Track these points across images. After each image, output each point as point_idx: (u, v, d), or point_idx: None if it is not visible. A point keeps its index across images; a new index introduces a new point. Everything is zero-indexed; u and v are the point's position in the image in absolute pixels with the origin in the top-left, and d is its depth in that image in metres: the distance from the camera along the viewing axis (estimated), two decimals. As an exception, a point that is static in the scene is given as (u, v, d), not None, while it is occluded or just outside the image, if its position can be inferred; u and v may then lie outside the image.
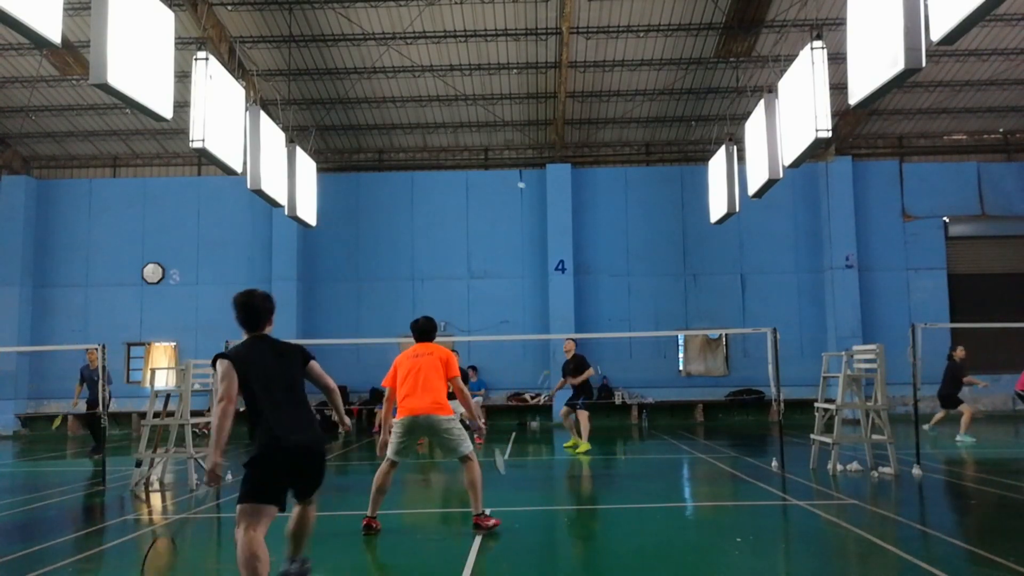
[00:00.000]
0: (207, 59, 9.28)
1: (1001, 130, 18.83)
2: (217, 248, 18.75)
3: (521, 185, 18.63)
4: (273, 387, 4.23)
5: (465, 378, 12.69)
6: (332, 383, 4.61)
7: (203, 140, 9.05)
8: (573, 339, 12.54)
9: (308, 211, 13.29)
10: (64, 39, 7.28)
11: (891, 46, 6.65)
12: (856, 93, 7.59)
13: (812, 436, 9.58)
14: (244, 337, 4.65)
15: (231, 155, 9.93)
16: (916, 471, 8.62)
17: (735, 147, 13.11)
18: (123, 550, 6.08)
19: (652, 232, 18.72)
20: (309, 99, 17.20)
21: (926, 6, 6.18)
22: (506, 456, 12.03)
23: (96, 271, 18.78)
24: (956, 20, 5.71)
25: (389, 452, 6.35)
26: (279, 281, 18.03)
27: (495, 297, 18.59)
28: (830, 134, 9.10)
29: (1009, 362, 16.63)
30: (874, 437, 8.97)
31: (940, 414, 13.45)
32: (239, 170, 10.31)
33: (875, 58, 7.05)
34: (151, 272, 18.73)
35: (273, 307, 4.71)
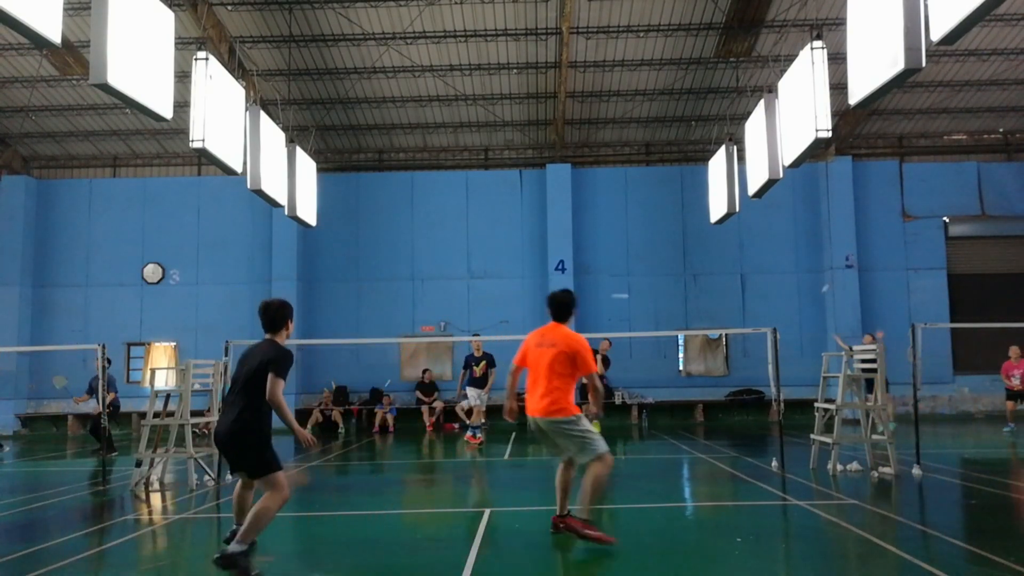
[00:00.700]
0: (207, 59, 9.28)
1: (1001, 130, 18.83)
2: (217, 248, 18.75)
3: None
4: (234, 384, 5.05)
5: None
6: (272, 398, 4.90)
7: (203, 140, 9.06)
8: (609, 339, 13.83)
9: (308, 211, 13.29)
10: (64, 39, 7.28)
11: (891, 46, 6.65)
12: (856, 93, 7.59)
13: (812, 436, 9.58)
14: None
15: (231, 155, 9.93)
16: (916, 471, 8.62)
17: (735, 147, 13.12)
18: (123, 550, 6.08)
19: (652, 232, 18.72)
20: (309, 99, 17.20)
21: (926, 6, 6.18)
22: (506, 455, 12.04)
23: (96, 271, 18.79)
24: (956, 20, 5.71)
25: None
26: (279, 281, 18.04)
27: (495, 297, 18.59)
28: (830, 134, 9.11)
29: (1009, 362, 16.64)
30: (874, 437, 8.98)
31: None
32: (239, 170, 10.31)
33: (875, 58, 7.05)
34: (151, 272, 18.73)
35: (279, 315, 5.22)
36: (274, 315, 5.17)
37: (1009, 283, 18.35)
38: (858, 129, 18.39)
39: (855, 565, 5.30)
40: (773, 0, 14.27)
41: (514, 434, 15.46)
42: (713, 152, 14.08)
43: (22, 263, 18.44)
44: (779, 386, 9.58)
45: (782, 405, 9.82)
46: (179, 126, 15.46)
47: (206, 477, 9.30)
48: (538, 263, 18.55)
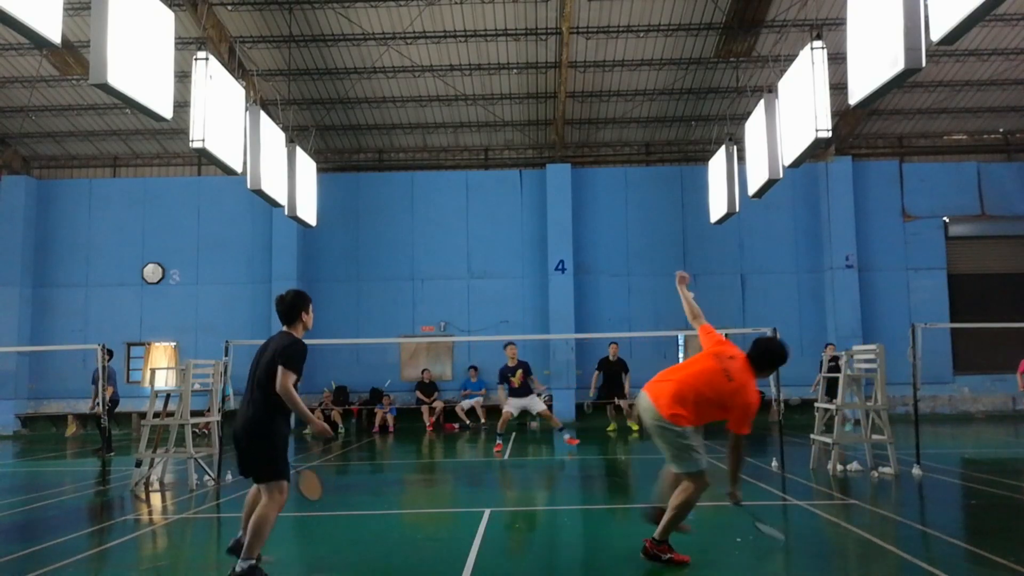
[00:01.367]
0: (207, 59, 9.28)
1: (1001, 130, 18.82)
2: (217, 248, 18.74)
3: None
4: (249, 380, 4.95)
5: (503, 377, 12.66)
6: (282, 390, 4.73)
7: (203, 140, 9.06)
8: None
9: (308, 211, 13.29)
10: (64, 39, 7.28)
11: (891, 46, 6.65)
12: (856, 93, 7.59)
13: (812, 436, 9.59)
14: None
15: (231, 155, 9.93)
16: (916, 471, 8.62)
17: (735, 147, 13.11)
18: (123, 550, 6.08)
19: (652, 232, 18.72)
20: (309, 99, 17.20)
21: (926, 6, 6.18)
22: (506, 455, 12.03)
23: (96, 271, 18.78)
24: (956, 20, 5.71)
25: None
26: (279, 281, 18.03)
27: (495, 297, 18.59)
28: (830, 134, 9.11)
29: (1009, 362, 16.63)
30: (874, 437, 8.98)
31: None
32: (239, 170, 10.31)
33: (875, 58, 7.05)
34: (151, 272, 18.72)
35: (292, 307, 5.07)
36: (288, 307, 5.03)
37: (1009, 283, 18.35)
38: (858, 129, 18.38)
39: (855, 565, 5.30)
40: (773, 0, 14.27)
41: (514, 434, 15.47)
42: (713, 152, 14.08)
43: (22, 263, 18.43)
44: (779, 386, 9.58)
45: (782, 405, 9.82)
46: (179, 126, 15.46)
47: (206, 477, 9.30)
48: (538, 263, 18.54)
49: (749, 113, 12.15)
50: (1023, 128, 18.74)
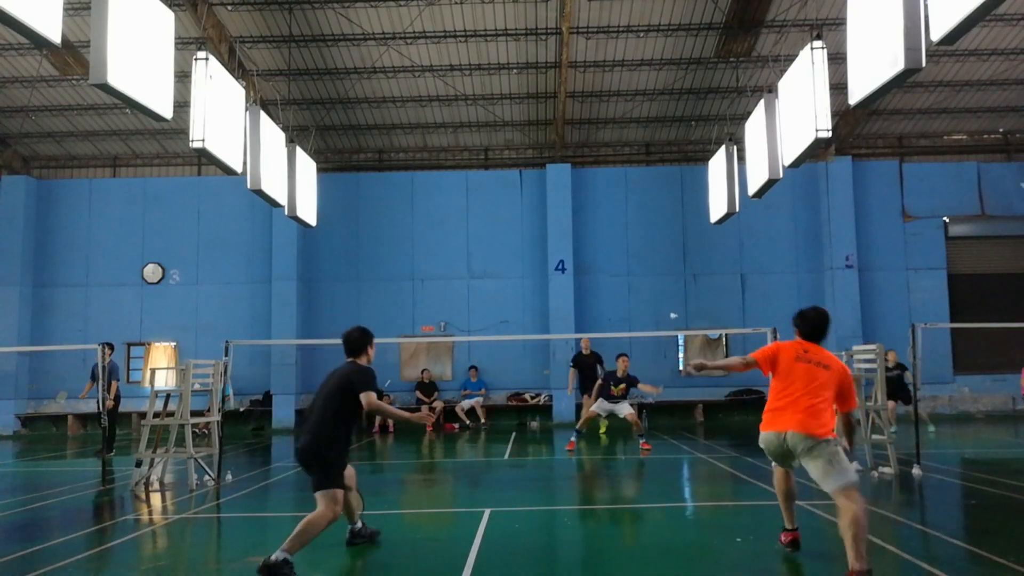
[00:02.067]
0: (207, 59, 9.27)
1: (1001, 130, 18.83)
2: (217, 248, 18.75)
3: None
4: (313, 403, 5.51)
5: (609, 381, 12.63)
6: (372, 409, 5.41)
7: (203, 140, 9.05)
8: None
9: (308, 211, 13.29)
10: (64, 39, 7.28)
11: (891, 46, 6.65)
12: (856, 93, 7.59)
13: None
14: None
15: (231, 155, 9.92)
16: (916, 471, 8.62)
17: (735, 147, 13.11)
18: (123, 550, 6.08)
19: (652, 232, 18.72)
20: (309, 99, 17.21)
21: (926, 6, 6.18)
22: (506, 455, 12.03)
23: (96, 271, 18.79)
24: (956, 20, 5.71)
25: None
26: (279, 281, 18.05)
27: (495, 297, 18.59)
28: (830, 134, 9.10)
29: (1009, 362, 16.66)
30: (874, 437, 8.98)
31: None
32: (239, 170, 10.31)
33: (875, 58, 7.05)
34: (151, 272, 18.73)
35: (358, 344, 5.71)
36: (355, 344, 5.70)
37: (1009, 283, 18.35)
38: (858, 129, 18.39)
39: (855, 565, 5.29)
40: (773, 0, 14.27)
41: (514, 434, 15.48)
42: (713, 152, 14.07)
43: (22, 263, 18.44)
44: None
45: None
46: (179, 126, 15.46)
47: (206, 477, 9.30)
48: (538, 263, 18.54)
49: (749, 113, 12.15)
50: (1023, 128, 18.74)
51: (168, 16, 8.11)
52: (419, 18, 14.58)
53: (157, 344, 18.69)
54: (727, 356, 18.67)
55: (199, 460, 9.34)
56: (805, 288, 18.40)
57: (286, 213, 12.63)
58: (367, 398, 5.32)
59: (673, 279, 18.64)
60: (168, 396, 9.85)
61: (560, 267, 18.13)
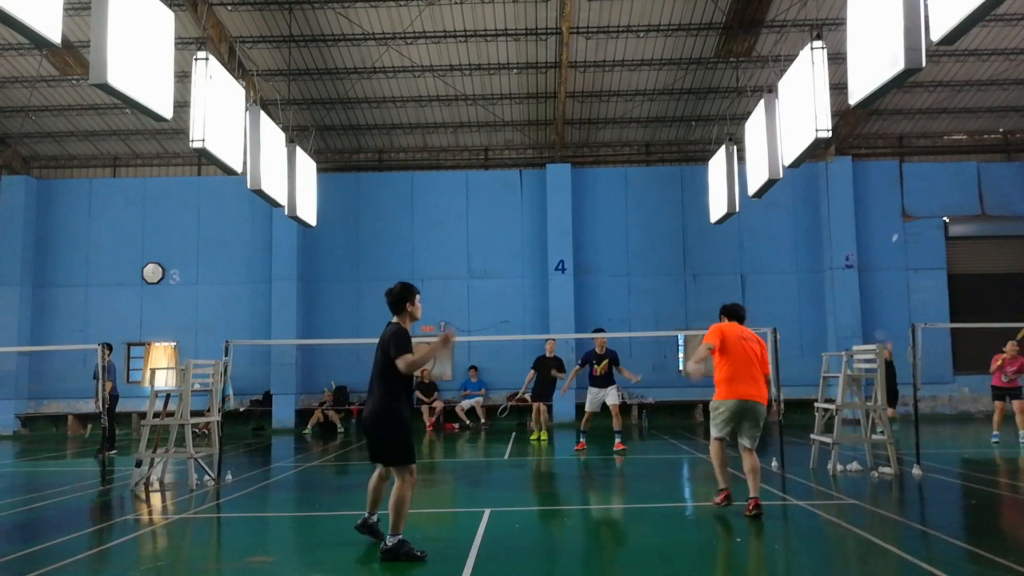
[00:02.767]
0: (207, 59, 9.28)
1: (1001, 130, 18.82)
2: (217, 248, 18.74)
3: None
4: (372, 371, 5.49)
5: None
6: (408, 370, 5.31)
7: (203, 140, 9.05)
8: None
9: (308, 211, 13.29)
10: (64, 39, 7.27)
11: (891, 46, 6.65)
12: (856, 93, 7.59)
13: (812, 436, 9.59)
14: None
15: (231, 155, 9.92)
16: (916, 471, 8.62)
17: (735, 147, 13.11)
18: (123, 550, 6.08)
19: (652, 232, 18.72)
20: (309, 99, 17.20)
21: (926, 6, 6.18)
22: (506, 455, 12.03)
23: (96, 271, 18.78)
24: (956, 20, 5.71)
25: (716, 432, 6.85)
26: (279, 281, 18.04)
27: (495, 297, 18.59)
28: (830, 134, 9.11)
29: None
30: (874, 437, 8.98)
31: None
32: (239, 170, 10.31)
33: (875, 58, 7.05)
34: (151, 272, 18.73)
35: (399, 298, 5.75)
36: (396, 299, 5.70)
37: (1009, 283, 18.35)
38: (858, 129, 18.38)
39: (855, 565, 5.30)
40: (773, 0, 14.27)
41: (514, 434, 15.47)
42: (713, 152, 14.07)
43: (22, 263, 18.43)
44: (779, 386, 9.58)
45: (782, 405, 9.82)
46: (179, 126, 15.46)
47: (206, 477, 9.30)
48: (538, 263, 18.54)
49: (749, 113, 12.15)
50: (1023, 128, 18.74)
51: (168, 16, 8.12)
52: (419, 18, 14.58)
53: (157, 344, 18.69)
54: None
55: (199, 460, 9.34)
56: (805, 288, 18.41)
57: (286, 213, 12.63)
58: (403, 363, 5.24)
59: (673, 279, 18.64)
60: (168, 396, 9.84)
61: (560, 267, 18.12)
